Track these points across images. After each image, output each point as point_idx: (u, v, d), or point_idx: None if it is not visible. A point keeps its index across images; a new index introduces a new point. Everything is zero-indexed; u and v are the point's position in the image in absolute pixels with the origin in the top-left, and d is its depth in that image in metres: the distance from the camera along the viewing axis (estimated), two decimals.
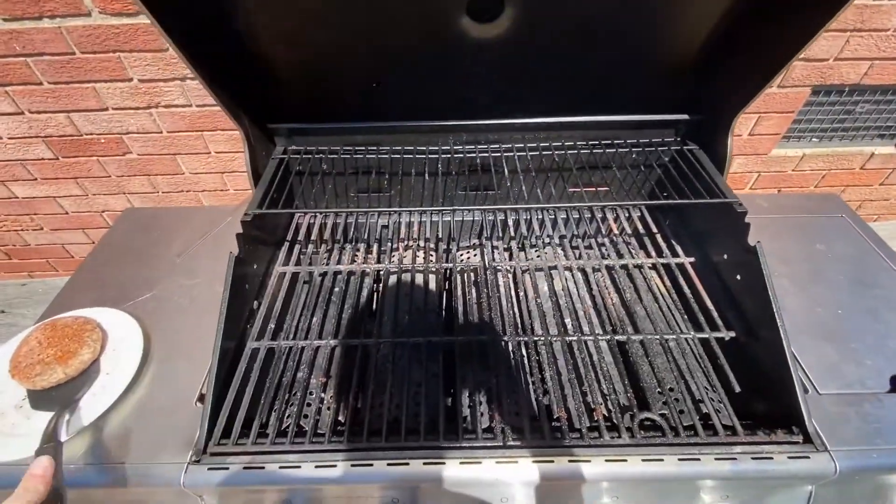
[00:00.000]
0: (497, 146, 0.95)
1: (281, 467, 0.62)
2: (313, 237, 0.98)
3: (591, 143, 0.95)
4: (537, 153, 0.94)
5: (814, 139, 1.68)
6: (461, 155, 0.94)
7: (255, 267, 0.84)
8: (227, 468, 0.63)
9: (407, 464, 0.62)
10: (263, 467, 0.62)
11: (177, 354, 0.78)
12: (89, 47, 1.29)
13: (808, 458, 0.62)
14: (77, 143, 1.55)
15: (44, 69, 1.34)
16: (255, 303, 0.84)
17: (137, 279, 0.90)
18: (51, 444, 0.58)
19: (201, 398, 0.71)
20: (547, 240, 1.03)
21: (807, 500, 0.66)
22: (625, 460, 0.62)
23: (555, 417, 0.71)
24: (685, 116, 0.90)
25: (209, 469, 0.63)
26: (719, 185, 0.82)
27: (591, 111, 0.90)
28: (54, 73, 1.35)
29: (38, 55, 1.30)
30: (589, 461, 0.62)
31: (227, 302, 0.72)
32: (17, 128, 1.49)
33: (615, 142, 0.94)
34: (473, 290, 0.93)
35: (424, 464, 0.62)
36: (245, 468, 0.63)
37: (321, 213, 1.01)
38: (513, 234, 1.01)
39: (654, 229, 0.98)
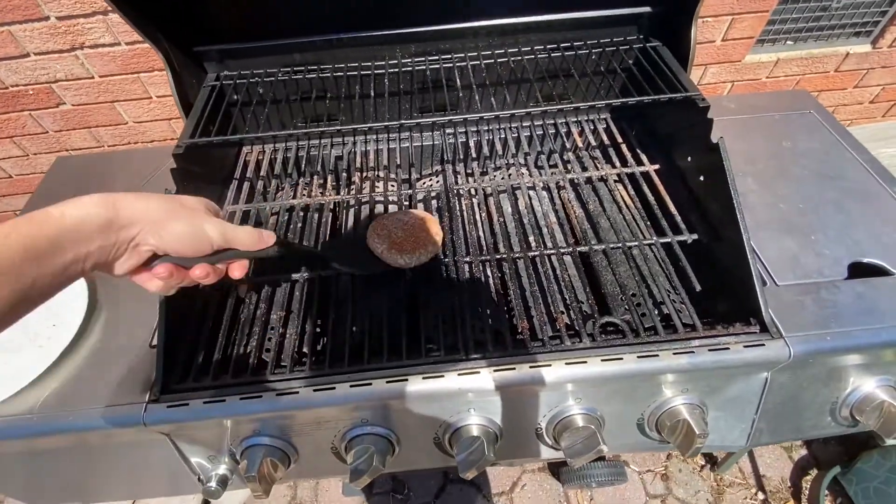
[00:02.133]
0: (449, 56, 0.88)
1: (242, 398, 0.62)
2: (263, 172, 0.93)
3: (549, 47, 0.88)
4: (492, 61, 0.88)
5: (788, 42, 1.61)
6: (410, 69, 0.87)
7: None
8: (187, 404, 0.62)
9: (370, 384, 0.62)
10: (224, 400, 0.62)
11: (125, 299, 0.75)
12: None
13: (763, 345, 0.63)
14: (4, 96, 1.42)
15: None
16: None
17: None
18: None
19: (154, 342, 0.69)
20: (511, 160, 0.99)
21: (762, 387, 0.69)
22: (584, 362, 0.62)
23: (517, 330, 0.71)
24: (647, 9, 0.84)
25: (168, 406, 0.62)
26: (682, 81, 0.77)
27: (548, 9, 0.82)
28: None
29: None
30: (549, 365, 0.62)
31: None
32: None
33: (575, 44, 0.88)
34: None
35: (387, 382, 0.62)
36: (205, 402, 0.62)
37: (268, 144, 0.95)
38: (475, 156, 0.97)
39: (619, 139, 0.94)
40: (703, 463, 1.56)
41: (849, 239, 0.76)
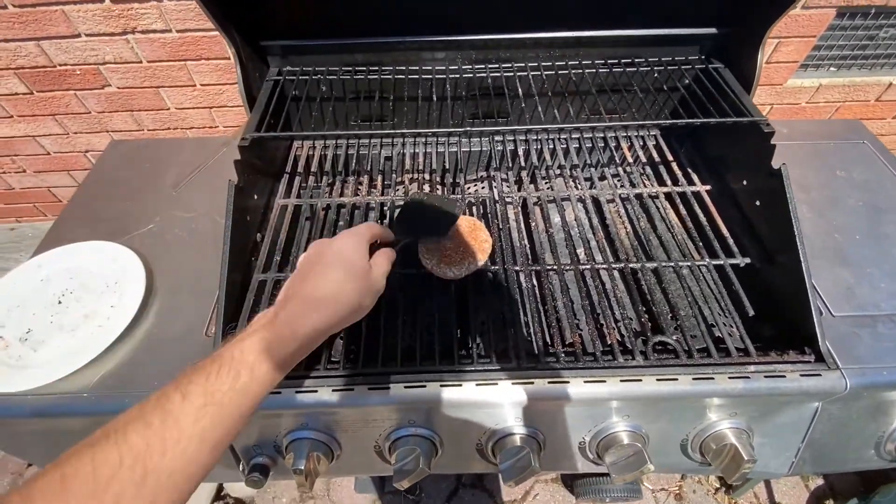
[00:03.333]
0: (509, 65, 0.88)
1: (297, 391, 0.62)
2: (313, 169, 0.94)
3: (610, 61, 0.88)
4: (553, 73, 0.88)
5: (832, 68, 1.60)
6: (467, 75, 0.87)
7: (255, 198, 0.80)
8: None
9: (424, 386, 0.63)
10: (280, 392, 0.62)
11: (181, 287, 0.76)
12: None
13: (819, 375, 0.63)
14: (51, 75, 1.44)
15: None
16: (259, 235, 0.81)
17: (132, 213, 0.86)
18: None
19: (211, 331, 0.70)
20: (558, 171, 0.99)
21: (812, 416, 0.68)
22: (640, 380, 0.62)
23: (568, 342, 0.71)
24: (712, 30, 0.84)
25: None
26: (745, 105, 0.77)
27: (612, 25, 0.82)
28: None
29: None
30: (604, 381, 0.62)
31: (230, 231, 0.69)
32: None
33: (636, 60, 0.88)
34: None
35: (441, 385, 0.63)
36: None
37: (320, 142, 0.95)
38: (523, 164, 0.97)
39: (669, 157, 0.94)
40: (717, 486, 1.55)
41: None
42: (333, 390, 0.62)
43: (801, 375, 0.63)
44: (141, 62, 1.41)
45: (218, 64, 1.42)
